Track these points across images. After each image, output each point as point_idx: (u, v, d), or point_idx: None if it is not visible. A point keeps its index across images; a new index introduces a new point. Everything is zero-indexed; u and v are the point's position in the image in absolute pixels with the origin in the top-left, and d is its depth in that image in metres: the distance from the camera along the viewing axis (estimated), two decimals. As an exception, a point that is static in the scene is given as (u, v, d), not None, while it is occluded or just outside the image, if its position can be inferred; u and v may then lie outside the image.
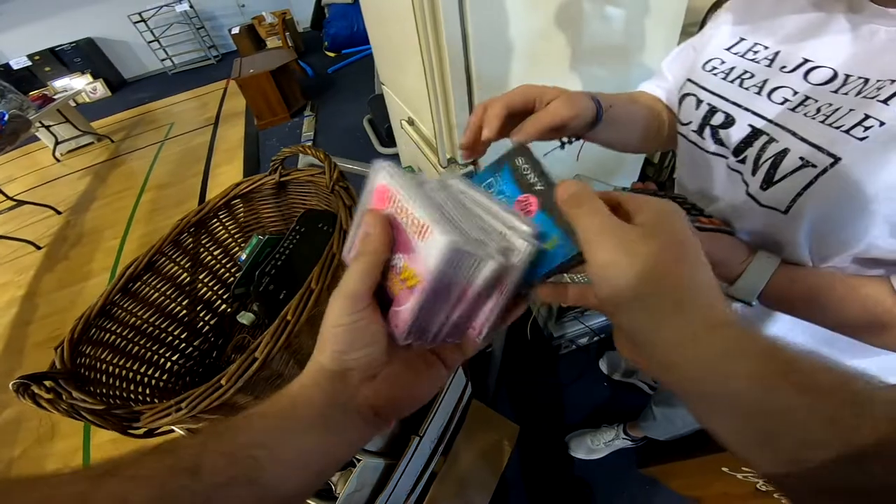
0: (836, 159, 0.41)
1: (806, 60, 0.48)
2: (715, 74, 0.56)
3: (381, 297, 0.31)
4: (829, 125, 0.42)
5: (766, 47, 0.52)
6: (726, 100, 0.54)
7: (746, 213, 0.51)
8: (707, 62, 0.58)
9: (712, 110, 0.55)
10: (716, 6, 1.38)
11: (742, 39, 0.56)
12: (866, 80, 0.42)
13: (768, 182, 0.47)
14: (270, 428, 0.28)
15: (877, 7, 0.42)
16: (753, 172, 0.49)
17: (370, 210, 0.31)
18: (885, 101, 0.39)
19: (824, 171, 0.42)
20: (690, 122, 0.58)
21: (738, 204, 0.52)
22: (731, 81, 0.54)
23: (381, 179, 0.31)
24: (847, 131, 0.41)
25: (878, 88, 0.41)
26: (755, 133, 0.50)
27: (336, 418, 0.29)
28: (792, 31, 0.51)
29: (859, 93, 0.42)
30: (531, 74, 1.19)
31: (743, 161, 0.50)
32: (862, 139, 0.40)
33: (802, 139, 0.44)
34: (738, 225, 0.54)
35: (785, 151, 0.45)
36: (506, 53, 1.12)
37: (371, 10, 1.64)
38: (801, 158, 0.44)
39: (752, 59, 0.53)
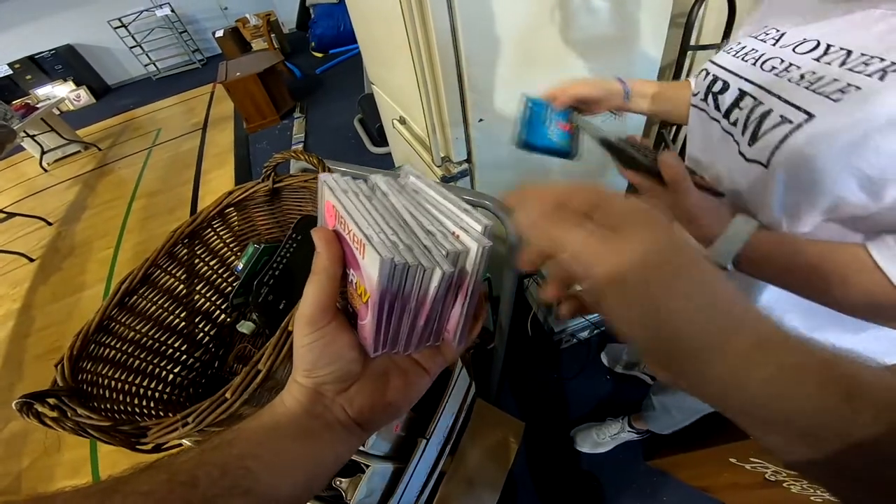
0: (811, 116, 0.47)
1: (805, 40, 0.54)
2: (727, 53, 0.64)
3: (349, 312, 0.32)
4: (811, 90, 0.48)
5: (777, 30, 0.59)
6: (725, 69, 0.62)
7: (737, 171, 0.57)
8: (731, 46, 0.66)
9: (714, 80, 0.64)
10: (703, -3, 1.38)
11: (764, 26, 0.62)
12: (849, 52, 0.48)
13: (754, 138, 0.53)
14: (261, 440, 0.29)
15: None
16: (743, 132, 0.55)
17: (316, 228, 0.31)
18: (868, 75, 0.44)
19: (799, 126, 0.48)
20: (699, 93, 0.66)
21: (730, 163, 0.58)
22: (735, 56, 0.62)
23: (326, 196, 0.30)
24: (826, 95, 0.47)
25: (865, 64, 0.45)
26: (741, 95, 0.57)
27: (317, 430, 0.30)
28: (804, 16, 0.56)
29: (843, 64, 0.47)
30: (522, 68, 1.18)
31: (734, 123, 0.57)
32: (836, 101, 0.45)
33: (784, 100, 0.51)
34: (728, 185, 0.60)
35: (769, 111, 0.52)
36: (497, 47, 1.11)
37: (357, 8, 1.62)
38: (781, 116, 0.50)
39: (762, 40, 0.60)
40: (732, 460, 1.01)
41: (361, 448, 0.70)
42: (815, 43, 0.52)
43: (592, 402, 1.69)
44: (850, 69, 0.46)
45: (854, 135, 0.43)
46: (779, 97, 0.52)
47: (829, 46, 0.50)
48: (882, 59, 0.44)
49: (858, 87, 0.44)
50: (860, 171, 0.43)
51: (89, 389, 0.62)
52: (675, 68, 1.51)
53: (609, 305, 0.25)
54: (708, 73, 0.66)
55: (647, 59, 1.36)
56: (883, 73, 0.43)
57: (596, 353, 1.80)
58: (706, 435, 1.13)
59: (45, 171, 5.11)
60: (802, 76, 0.50)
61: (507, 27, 1.09)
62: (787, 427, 0.22)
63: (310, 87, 5.37)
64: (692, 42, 1.46)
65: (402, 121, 1.57)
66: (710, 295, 0.23)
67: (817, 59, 0.50)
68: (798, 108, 0.48)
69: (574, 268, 0.25)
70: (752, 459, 0.94)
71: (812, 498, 0.91)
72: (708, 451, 1.09)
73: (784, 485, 0.94)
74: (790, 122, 0.49)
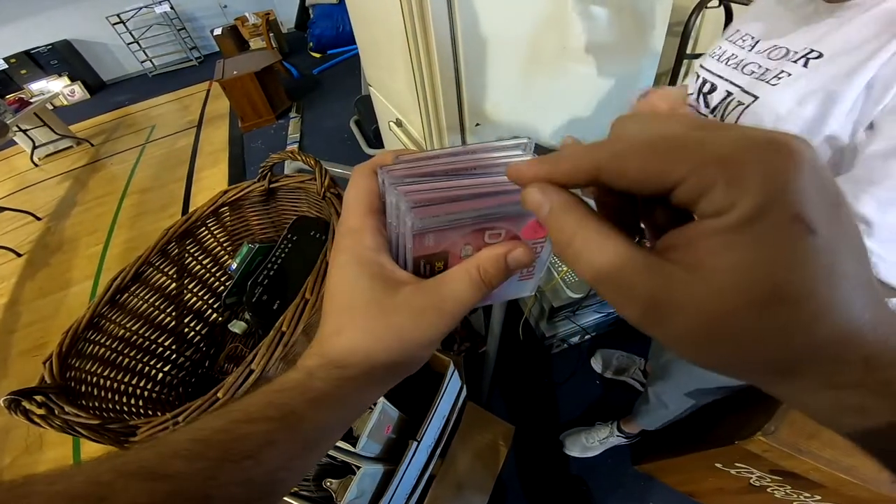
0: (755, 98, 0.66)
1: (776, 47, 0.67)
2: (712, 57, 0.79)
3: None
4: (757, 78, 0.67)
5: (752, 37, 0.73)
6: (712, 73, 0.77)
7: None
8: (714, 50, 0.80)
9: (704, 82, 0.78)
10: (700, 6, 1.41)
11: (736, 30, 0.77)
12: (788, 50, 0.64)
13: (721, 120, 0.71)
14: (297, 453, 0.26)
15: (824, 3, 0.61)
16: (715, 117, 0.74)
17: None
18: (795, 62, 0.62)
19: (748, 106, 0.67)
20: (693, 93, 0.80)
21: None
22: (719, 60, 0.77)
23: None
24: (767, 81, 0.64)
25: (799, 55, 0.61)
26: (728, 95, 0.72)
27: None
28: (769, 22, 0.71)
29: (783, 56, 0.64)
30: (521, 74, 1.19)
31: (713, 112, 0.75)
32: (774, 85, 0.63)
33: (739, 87, 0.69)
34: None
35: (732, 98, 0.70)
36: (496, 53, 1.12)
37: (357, 10, 1.63)
38: (738, 101, 0.69)
39: (740, 46, 0.74)
40: (718, 465, 1.02)
41: (352, 449, 0.71)
42: (784, 50, 0.65)
43: (582, 406, 1.70)
44: (789, 59, 0.63)
45: (781, 110, 0.62)
46: (735, 84, 0.71)
47: (787, 50, 0.65)
48: (811, 50, 0.60)
49: (790, 74, 0.62)
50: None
51: (78, 387, 0.62)
52: (671, 76, 1.53)
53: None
54: (699, 76, 0.80)
55: (644, 67, 1.38)
56: (805, 60, 0.60)
57: (587, 358, 1.81)
58: (692, 439, 1.14)
59: (36, 165, 5.05)
60: (752, 71, 0.69)
61: (507, 34, 1.10)
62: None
63: (307, 88, 5.36)
64: (689, 51, 1.48)
65: (399, 123, 1.58)
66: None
67: (779, 59, 0.66)
68: (747, 92, 0.67)
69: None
70: (736, 465, 0.96)
71: (795, 503, 0.92)
72: (694, 456, 1.10)
73: (768, 490, 0.95)
74: (741, 103, 0.68)
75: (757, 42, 0.72)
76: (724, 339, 0.16)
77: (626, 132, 0.20)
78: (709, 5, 1.38)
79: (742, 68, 0.71)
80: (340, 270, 0.27)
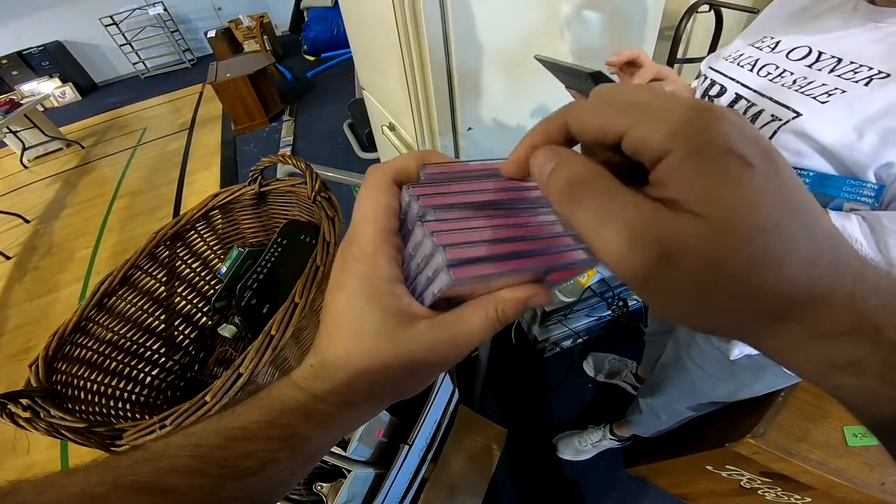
0: (798, 114, 0.53)
1: (798, 47, 0.59)
2: (725, 59, 0.70)
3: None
4: (801, 93, 0.54)
5: (773, 38, 0.64)
6: (723, 74, 0.68)
7: None
8: (729, 54, 0.71)
9: (712, 83, 0.69)
10: (691, 11, 1.43)
11: (763, 37, 0.67)
12: (839, 60, 0.53)
13: None
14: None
15: (870, 6, 0.53)
16: None
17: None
18: (855, 82, 0.50)
19: (787, 122, 0.54)
20: (698, 96, 0.72)
21: None
22: (733, 62, 0.67)
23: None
24: (814, 97, 0.52)
25: (854, 72, 0.51)
26: (737, 98, 0.63)
27: None
28: (799, 28, 0.61)
29: (832, 70, 0.53)
30: (513, 79, 1.20)
31: None
32: (824, 103, 0.51)
33: (776, 101, 0.56)
34: None
35: (761, 111, 0.58)
36: (488, 58, 1.13)
37: (351, 14, 1.63)
38: (772, 115, 0.56)
39: (758, 48, 0.65)
40: (709, 468, 1.02)
41: (343, 453, 0.70)
42: (807, 50, 0.57)
43: (575, 409, 1.70)
44: (839, 75, 0.52)
45: (835, 135, 0.49)
46: (771, 99, 0.57)
47: (820, 54, 0.55)
48: (870, 68, 0.49)
49: (844, 91, 0.50)
50: (843, 165, 0.49)
51: (64, 391, 0.61)
52: (660, 82, 1.55)
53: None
54: (706, 78, 0.72)
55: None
56: (868, 80, 0.49)
57: (579, 362, 1.82)
58: (684, 442, 1.15)
59: (26, 167, 4.99)
60: (794, 81, 0.56)
61: (499, 38, 1.11)
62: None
63: (300, 91, 5.35)
64: (680, 55, 1.49)
65: (392, 127, 1.58)
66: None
67: (809, 66, 0.56)
68: (786, 107, 0.54)
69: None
70: (727, 467, 0.96)
71: (785, 506, 0.93)
72: (685, 459, 1.11)
73: (759, 492, 0.95)
74: (779, 119, 0.55)
75: (778, 42, 0.63)
76: (713, 282, 0.16)
77: (598, 94, 0.21)
78: (699, 10, 1.40)
79: (758, 70, 0.62)
80: (351, 297, 0.25)
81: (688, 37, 1.62)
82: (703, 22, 1.53)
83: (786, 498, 0.92)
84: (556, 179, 0.19)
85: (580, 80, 0.67)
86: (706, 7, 1.39)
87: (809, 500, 0.88)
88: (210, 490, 0.22)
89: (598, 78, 0.67)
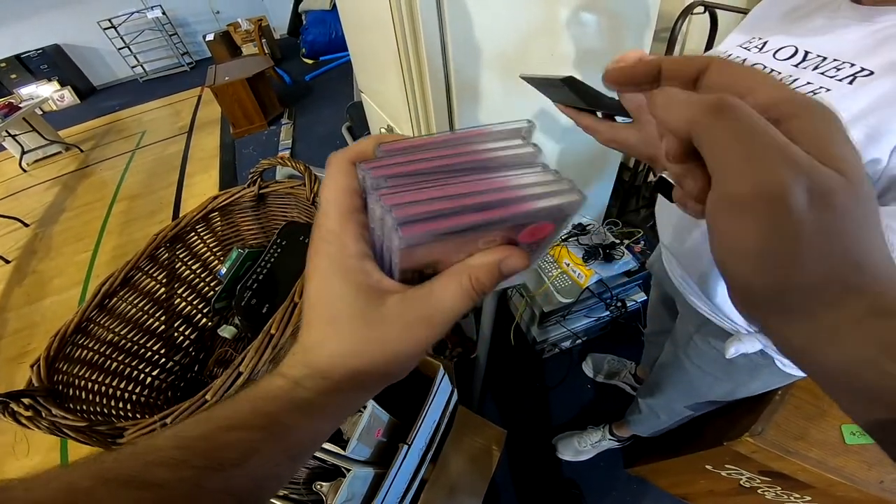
0: None
1: (784, 46, 0.59)
2: None
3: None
4: None
5: (760, 38, 0.64)
6: None
7: None
8: (718, 55, 0.67)
9: None
10: (686, 12, 1.44)
11: (751, 37, 0.67)
12: (824, 58, 0.53)
13: None
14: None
15: (854, 4, 0.52)
16: None
17: None
18: (839, 80, 0.50)
19: None
20: None
21: None
22: None
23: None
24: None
25: (837, 69, 0.51)
26: None
27: None
28: (785, 28, 0.61)
29: (816, 68, 0.53)
30: (510, 81, 1.20)
31: None
32: None
33: None
34: None
35: None
36: (485, 61, 1.14)
37: (349, 17, 1.64)
38: None
39: (746, 48, 0.65)
40: (708, 467, 1.02)
41: (342, 452, 0.70)
42: (793, 49, 0.57)
43: (574, 410, 1.70)
44: (823, 73, 0.52)
45: None
46: None
47: (806, 53, 0.56)
48: (852, 65, 0.49)
49: (828, 90, 0.50)
50: None
51: (65, 390, 0.61)
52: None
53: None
54: None
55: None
56: (852, 78, 0.49)
57: (578, 363, 1.82)
58: (683, 442, 1.15)
59: (25, 171, 4.99)
60: (781, 80, 0.55)
61: (496, 41, 1.11)
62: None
63: (299, 94, 5.36)
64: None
65: (390, 130, 1.59)
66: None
67: (795, 66, 0.56)
68: None
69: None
70: (726, 466, 0.96)
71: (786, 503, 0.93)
72: (684, 458, 1.11)
73: (759, 491, 0.96)
74: None
75: (765, 42, 0.63)
76: (832, 231, 0.17)
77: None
78: (694, 11, 1.41)
79: None
80: (322, 278, 0.25)
81: (683, 38, 1.63)
82: (699, 23, 1.54)
83: (785, 497, 0.92)
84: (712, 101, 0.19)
85: (557, 88, 0.66)
86: (701, 8, 1.40)
87: (809, 499, 0.88)
88: (196, 482, 0.22)
89: (571, 83, 0.65)
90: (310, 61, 6.37)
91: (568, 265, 1.56)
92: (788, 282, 0.18)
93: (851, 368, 0.18)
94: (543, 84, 0.68)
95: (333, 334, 0.25)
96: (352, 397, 0.27)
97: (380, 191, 0.22)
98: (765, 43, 0.63)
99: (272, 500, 0.70)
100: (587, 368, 1.79)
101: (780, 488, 0.92)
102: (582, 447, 1.52)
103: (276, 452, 0.24)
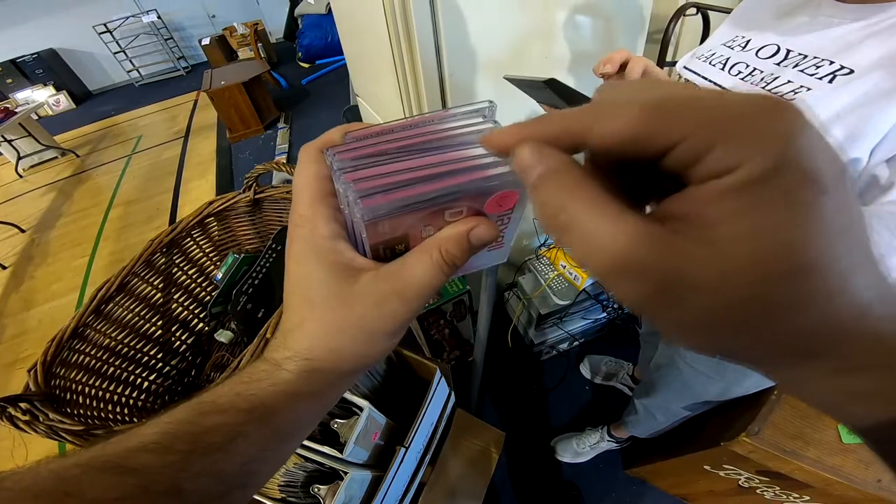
0: None
1: (766, 45, 0.60)
2: (699, 59, 0.71)
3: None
4: (768, 90, 0.55)
5: (744, 37, 0.65)
6: (695, 73, 0.69)
7: None
8: (702, 53, 0.72)
9: (686, 83, 0.69)
10: (678, 14, 1.44)
11: (735, 36, 0.68)
12: (804, 56, 0.54)
13: None
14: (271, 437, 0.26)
15: (835, 2, 0.53)
16: None
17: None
18: (819, 78, 0.50)
19: None
20: None
21: None
22: (705, 61, 0.69)
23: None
24: (780, 94, 0.52)
25: (816, 66, 0.51)
26: None
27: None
28: (769, 25, 0.62)
29: (796, 66, 0.54)
30: (504, 85, 1.20)
31: None
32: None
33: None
34: None
35: None
36: (479, 64, 1.14)
37: (344, 21, 1.64)
38: None
39: (730, 47, 0.66)
40: (706, 467, 1.03)
41: (339, 455, 0.70)
42: (775, 48, 0.58)
43: (572, 412, 1.71)
44: (802, 71, 0.53)
45: None
46: None
47: (788, 51, 0.56)
48: (831, 62, 0.50)
49: (809, 89, 0.51)
50: None
51: (62, 395, 0.61)
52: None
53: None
54: (680, 77, 0.73)
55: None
56: (832, 76, 0.49)
57: (575, 365, 1.82)
58: (681, 442, 1.15)
59: (21, 177, 4.98)
60: (762, 79, 0.57)
61: (490, 44, 1.12)
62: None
63: (295, 98, 5.36)
64: (668, 58, 1.51)
65: (386, 132, 1.59)
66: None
67: (777, 64, 0.57)
68: None
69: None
70: (724, 466, 0.97)
71: (785, 503, 0.93)
72: (683, 459, 1.11)
73: (758, 491, 0.96)
74: None
75: (748, 41, 0.64)
76: (743, 320, 0.14)
77: (615, 94, 0.17)
78: (687, 13, 1.42)
79: (729, 69, 0.63)
80: (296, 262, 0.26)
81: (676, 39, 1.64)
82: (691, 25, 1.54)
83: (784, 496, 0.93)
84: (546, 186, 0.17)
85: (540, 90, 0.66)
86: (693, 10, 1.40)
87: (808, 498, 0.88)
88: (180, 467, 0.22)
89: (553, 85, 0.65)
90: (306, 65, 6.38)
91: (564, 267, 1.56)
92: (723, 354, 0.16)
93: (822, 407, 0.17)
94: (527, 85, 0.68)
95: (311, 315, 0.25)
96: (334, 379, 0.27)
97: (344, 172, 0.23)
98: (748, 41, 0.64)
99: (272, 501, 0.70)
100: (585, 370, 1.79)
101: (778, 488, 0.92)
102: (581, 449, 1.52)
103: (262, 436, 0.24)
